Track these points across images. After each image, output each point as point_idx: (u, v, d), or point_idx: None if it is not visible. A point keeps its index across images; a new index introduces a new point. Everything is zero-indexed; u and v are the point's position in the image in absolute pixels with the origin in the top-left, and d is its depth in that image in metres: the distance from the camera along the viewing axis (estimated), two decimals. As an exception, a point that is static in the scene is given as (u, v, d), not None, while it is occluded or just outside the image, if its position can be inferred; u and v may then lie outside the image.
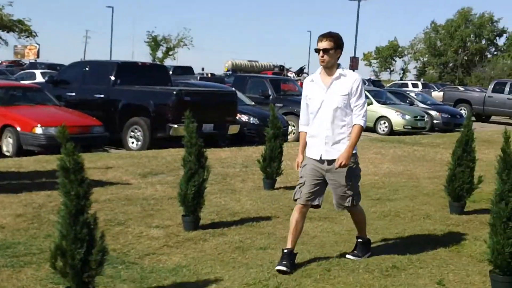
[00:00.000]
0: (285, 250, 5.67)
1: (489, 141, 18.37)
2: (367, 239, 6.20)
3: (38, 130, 12.77)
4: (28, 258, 5.64)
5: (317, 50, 5.63)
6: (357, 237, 6.20)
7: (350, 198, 5.79)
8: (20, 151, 12.81)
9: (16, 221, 6.96)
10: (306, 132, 5.90)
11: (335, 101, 5.63)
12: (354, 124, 5.67)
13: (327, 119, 5.67)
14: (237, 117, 16.30)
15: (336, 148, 5.66)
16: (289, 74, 36.25)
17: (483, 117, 30.90)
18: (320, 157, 5.71)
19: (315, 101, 5.73)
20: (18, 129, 12.91)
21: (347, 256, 6.05)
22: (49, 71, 32.19)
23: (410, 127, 22.49)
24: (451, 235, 7.13)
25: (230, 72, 48.83)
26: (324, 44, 5.59)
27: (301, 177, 5.82)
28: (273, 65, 59.05)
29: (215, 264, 5.71)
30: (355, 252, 6.11)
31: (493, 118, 31.85)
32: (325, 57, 5.59)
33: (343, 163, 5.57)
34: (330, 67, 5.66)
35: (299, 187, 5.76)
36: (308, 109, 5.85)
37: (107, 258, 4.64)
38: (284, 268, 5.52)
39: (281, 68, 55.49)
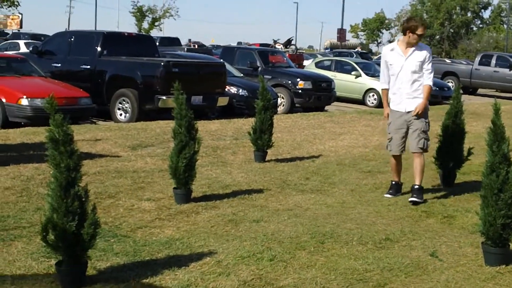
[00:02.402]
0: (393, 182, 7.64)
1: (477, 113, 18.42)
2: (422, 186, 7.41)
3: (24, 101, 12.58)
4: (18, 232, 5.57)
5: (418, 35, 7.22)
6: (414, 185, 7.39)
7: (423, 140, 7.31)
8: (7, 123, 12.64)
9: (5, 194, 6.87)
10: (387, 89, 7.54)
11: (412, 66, 7.28)
12: (425, 84, 7.30)
13: (407, 79, 7.30)
14: (226, 89, 16.17)
15: (415, 101, 7.27)
16: (277, 46, 36.00)
17: (470, 90, 30.90)
18: (405, 109, 7.32)
19: (396, 66, 7.35)
20: (4, 100, 12.69)
21: (410, 199, 7.26)
22: (33, 41, 31.71)
23: (398, 100, 22.41)
24: (443, 207, 7.14)
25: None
26: (421, 31, 7.25)
27: (389, 133, 7.53)
28: (360, 42, 67.16)
29: (208, 237, 5.66)
30: (415, 195, 7.31)
31: (480, 90, 31.89)
32: (418, 39, 7.27)
33: (419, 112, 7.23)
34: (415, 44, 7.31)
35: (389, 142, 7.52)
36: (389, 71, 7.42)
37: (99, 231, 4.58)
38: (389, 196, 7.50)
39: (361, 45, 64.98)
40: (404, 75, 7.30)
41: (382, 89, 7.73)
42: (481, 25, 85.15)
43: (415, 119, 7.29)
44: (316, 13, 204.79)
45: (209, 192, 7.39)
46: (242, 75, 18.64)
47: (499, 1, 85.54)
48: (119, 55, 15.44)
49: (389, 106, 7.57)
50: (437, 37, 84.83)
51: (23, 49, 28.86)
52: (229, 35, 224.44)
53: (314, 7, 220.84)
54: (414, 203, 7.18)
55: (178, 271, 4.77)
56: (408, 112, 7.30)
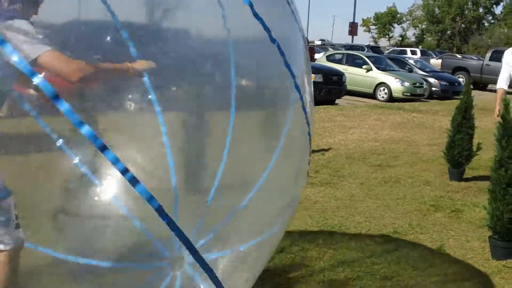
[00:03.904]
0: None
1: (487, 109, 18.31)
2: None
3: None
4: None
5: None
6: None
7: None
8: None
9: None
10: (503, 89, 7.70)
11: None
12: None
13: None
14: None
15: None
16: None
17: (481, 85, 30.79)
18: None
19: None
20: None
21: None
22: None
23: (409, 94, 22.36)
24: (451, 202, 7.18)
25: None
26: None
27: None
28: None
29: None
30: None
31: (490, 86, 31.77)
32: None
33: None
34: None
35: None
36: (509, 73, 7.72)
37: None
38: None
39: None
40: None
41: (498, 88, 7.86)
42: (492, 21, 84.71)
43: None
44: (328, 6, 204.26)
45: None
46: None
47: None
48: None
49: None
50: (448, 32, 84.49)
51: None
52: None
53: (326, 0, 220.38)
54: None
55: (188, 261, 4.82)
56: None
